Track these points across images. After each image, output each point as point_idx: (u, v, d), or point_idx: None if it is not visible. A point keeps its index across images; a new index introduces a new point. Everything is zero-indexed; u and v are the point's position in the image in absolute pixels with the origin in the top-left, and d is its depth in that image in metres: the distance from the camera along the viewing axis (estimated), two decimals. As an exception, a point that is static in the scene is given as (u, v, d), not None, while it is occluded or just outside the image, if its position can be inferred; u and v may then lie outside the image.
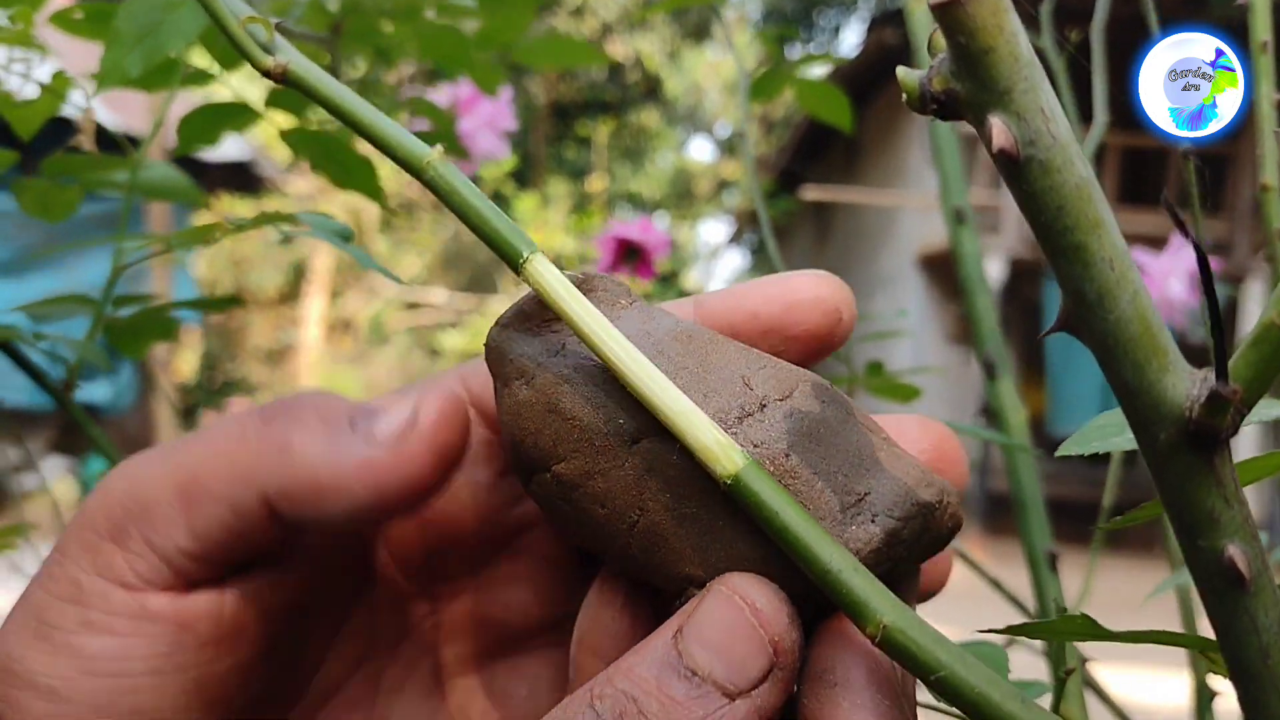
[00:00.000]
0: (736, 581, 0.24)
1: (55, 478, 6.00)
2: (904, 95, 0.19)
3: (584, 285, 0.28)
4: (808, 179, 10.43)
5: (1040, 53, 0.60)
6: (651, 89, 13.56)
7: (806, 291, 0.29)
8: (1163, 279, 0.93)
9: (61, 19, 0.49)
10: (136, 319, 0.48)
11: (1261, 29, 0.42)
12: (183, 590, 0.27)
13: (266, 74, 0.25)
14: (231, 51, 0.49)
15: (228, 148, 6.51)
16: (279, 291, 11.96)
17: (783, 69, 0.68)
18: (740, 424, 0.25)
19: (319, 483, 0.26)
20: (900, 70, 0.20)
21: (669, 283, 13.29)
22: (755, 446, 0.24)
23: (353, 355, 12.04)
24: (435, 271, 12.29)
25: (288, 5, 0.50)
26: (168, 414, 4.25)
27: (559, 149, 13.64)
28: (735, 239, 14.42)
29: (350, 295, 11.68)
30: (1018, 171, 0.19)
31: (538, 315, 0.28)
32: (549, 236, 10.97)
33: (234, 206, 9.86)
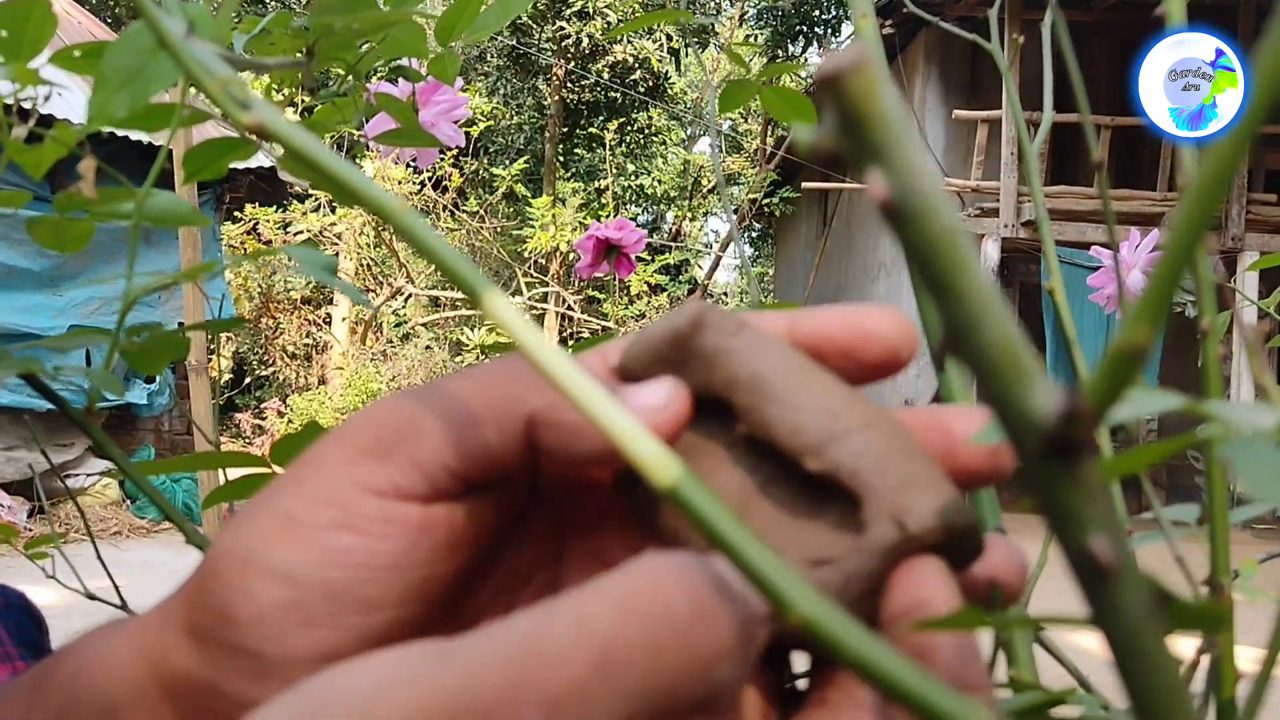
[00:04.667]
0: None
1: (97, 478, 6.09)
2: (801, 149, 0.22)
3: (697, 321, 0.33)
4: (807, 169, 10.40)
5: (990, 53, 0.63)
6: (656, 88, 13.57)
7: (875, 328, 0.33)
8: (1124, 271, 0.95)
9: (61, 58, 0.51)
10: (151, 342, 0.52)
11: (1177, 16, 0.45)
12: (427, 501, 0.31)
13: (244, 131, 0.28)
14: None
15: (255, 155, 6.56)
16: (305, 293, 12.06)
17: (749, 80, 0.70)
18: (825, 449, 0.30)
19: (578, 423, 0.31)
20: (796, 129, 0.23)
21: (679, 272, 13.35)
22: (834, 467, 0.30)
23: (378, 352, 12.13)
24: (453, 272, 12.30)
25: (252, 27, 0.52)
26: (205, 413, 4.31)
27: (569, 149, 13.67)
28: (740, 230, 14.42)
29: (375, 295, 11.78)
30: (895, 220, 0.21)
31: (672, 357, 0.33)
32: (561, 235, 11.02)
33: (259, 215, 9.96)
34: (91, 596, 0.65)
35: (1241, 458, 0.23)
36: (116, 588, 0.65)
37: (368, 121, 0.75)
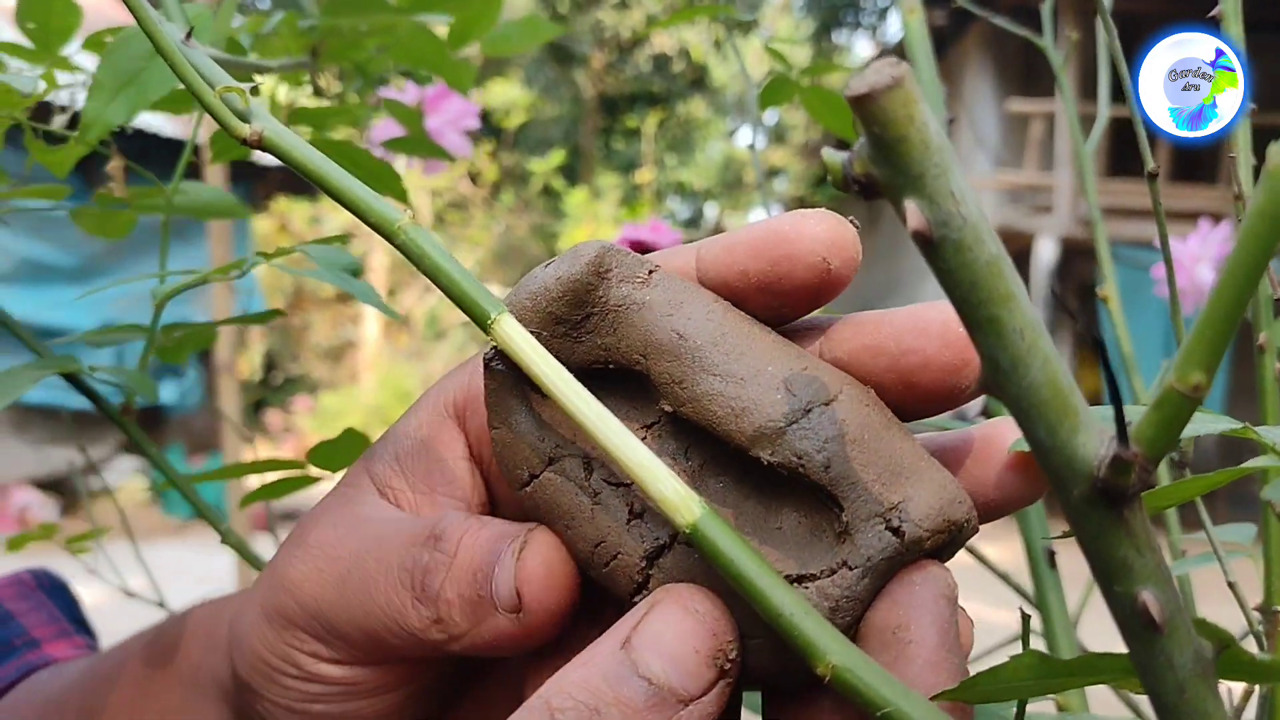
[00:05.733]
0: (685, 591, 0.25)
1: (125, 477, 6.18)
2: (829, 176, 0.21)
3: (598, 266, 0.27)
4: (857, 164, 10.27)
5: (1042, 50, 0.61)
6: (698, 79, 13.54)
7: (791, 245, 0.27)
8: (1192, 264, 0.92)
9: (93, 43, 0.51)
10: (182, 338, 0.53)
11: (1234, 37, 0.43)
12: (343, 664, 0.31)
13: (244, 142, 0.27)
14: (241, 75, 0.52)
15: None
16: (337, 290, 12.11)
17: (791, 78, 0.69)
18: (784, 435, 0.25)
19: (377, 638, 0.29)
20: (825, 152, 0.21)
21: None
22: (798, 458, 0.25)
23: (410, 351, 12.20)
24: (488, 267, 12.40)
25: (259, 25, 0.52)
26: (234, 413, 4.36)
27: (608, 142, 13.67)
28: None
29: (407, 292, 11.85)
30: (933, 251, 0.20)
31: (568, 316, 0.27)
32: (599, 229, 11.02)
33: (290, 208, 10.04)
34: (129, 594, 0.66)
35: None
36: (156, 587, 0.67)
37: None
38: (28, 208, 0.50)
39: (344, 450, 0.52)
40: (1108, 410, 0.21)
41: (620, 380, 0.27)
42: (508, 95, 12.65)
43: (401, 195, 0.61)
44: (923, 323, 0.27)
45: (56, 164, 0.51)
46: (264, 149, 0.26)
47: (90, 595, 0.68)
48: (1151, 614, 0.21)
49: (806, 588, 0.25)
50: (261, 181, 6.51)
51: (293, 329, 11.75)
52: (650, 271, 0.27)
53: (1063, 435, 0.20)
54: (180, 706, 0.36)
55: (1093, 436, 0.20)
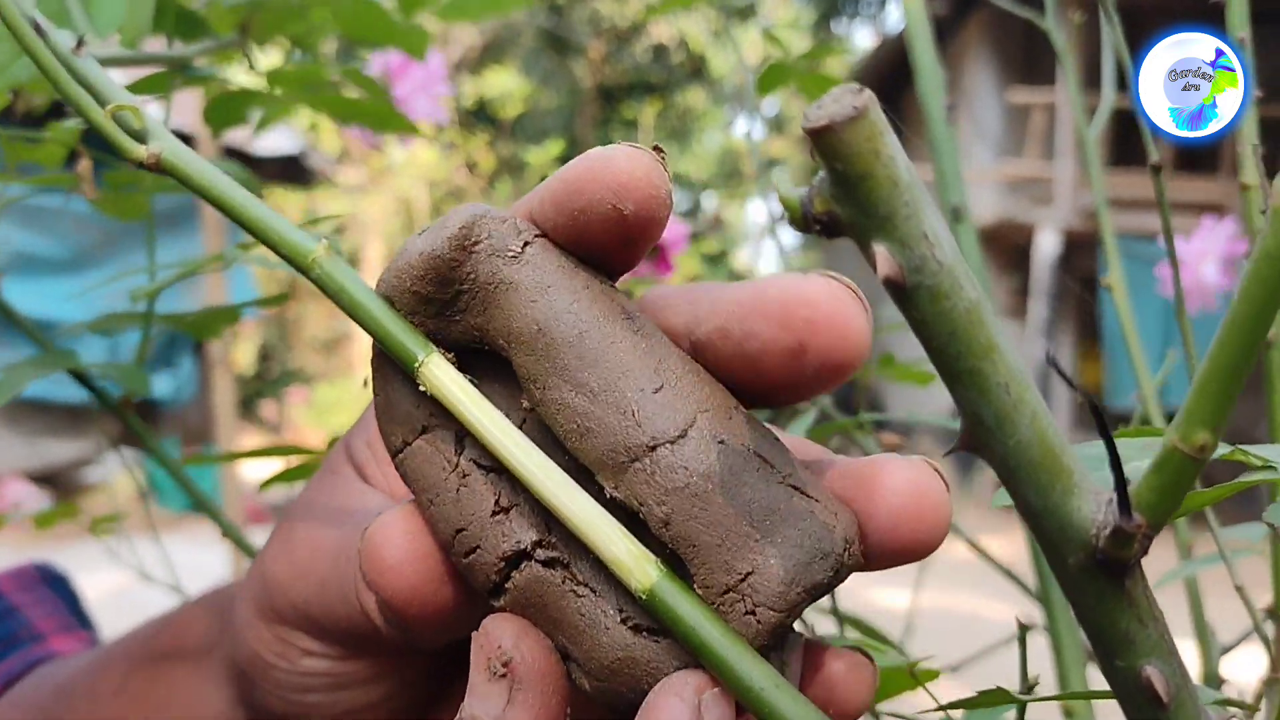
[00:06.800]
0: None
1: (120, 471, 6.17)
2: (785, 214, 0.19)
3: (464, 240, 0.24)
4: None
5: (1045, 33, 0.59)
6: (697, 69, 13.48)
7: (583, 196, 0.24)
8: (1196, 262, 0.90)
9: None
10: (203, 315, 0.54)
11: (1238, 25, 0.41)
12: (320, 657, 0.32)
13: (140, 165, 0.24)
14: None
15: (279, 141, 6.59)
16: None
17: (789, 63, 0.67)
18: (625, 471, 0.22)
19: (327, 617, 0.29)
20: (781, 188, 0.19)
21: (718, 262, 13.25)
22: (639, 503, 0.22)
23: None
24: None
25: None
26: (228, 405, 4.34)
27: (605, 132, 13.62)
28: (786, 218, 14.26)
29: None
30: (906, 299, 0.18)
31: (435, 296, 0.24)
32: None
33: (285, 199, 10.00)
34: (167, 588, 0.68)
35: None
36: (172, 571, 0.70)
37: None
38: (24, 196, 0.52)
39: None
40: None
41: (502, 362, 0.25)
42: (505, 85, 12.61)
43: (411, 130, 0.61)
44: (762, 302, 0.23)
45: (46, 158, 0.52)
46: (162, 171, 0.24)
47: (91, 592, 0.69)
48: (1157, 690, 0.19)
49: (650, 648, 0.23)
50: (256, 171, 6.48)
51: (288, 321, 11.72)
52: (526, 244, 0.24)
53: (1054, 498, 0.18)
54: (188, 687, 0.37)
55: (1088, 499, 0.18)
